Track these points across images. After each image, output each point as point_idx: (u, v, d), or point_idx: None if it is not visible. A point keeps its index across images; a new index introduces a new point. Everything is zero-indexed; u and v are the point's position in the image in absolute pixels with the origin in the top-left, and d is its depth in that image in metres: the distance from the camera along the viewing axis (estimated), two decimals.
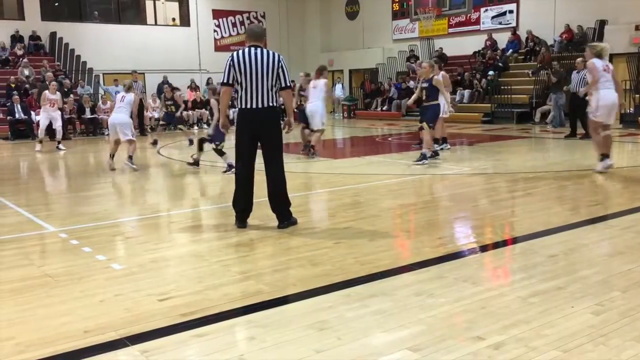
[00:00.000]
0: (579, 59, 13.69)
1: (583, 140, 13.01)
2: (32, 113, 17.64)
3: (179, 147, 14.35)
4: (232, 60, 5.51)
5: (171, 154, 12.97)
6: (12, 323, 3.52)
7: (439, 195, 7.71)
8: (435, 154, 10.25)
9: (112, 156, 10.47)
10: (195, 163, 10.47)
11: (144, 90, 18.87)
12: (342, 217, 6.21)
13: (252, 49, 5.53)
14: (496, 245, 5.08)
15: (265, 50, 5.55)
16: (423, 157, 9.85)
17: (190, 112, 20.23)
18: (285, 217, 5.75)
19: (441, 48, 23.60)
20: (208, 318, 3.50)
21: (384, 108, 23.22)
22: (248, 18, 26.60)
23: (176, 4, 25.62)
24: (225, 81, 5.57)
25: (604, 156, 8.44)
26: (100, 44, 22.38)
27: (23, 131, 17.53)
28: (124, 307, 3.71)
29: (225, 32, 26.11)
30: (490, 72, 19.97)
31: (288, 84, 5.64)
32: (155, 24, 24.77)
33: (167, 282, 4.22)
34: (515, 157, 10.89)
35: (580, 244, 4.90)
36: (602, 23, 18.60)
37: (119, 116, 10.24)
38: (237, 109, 5.63)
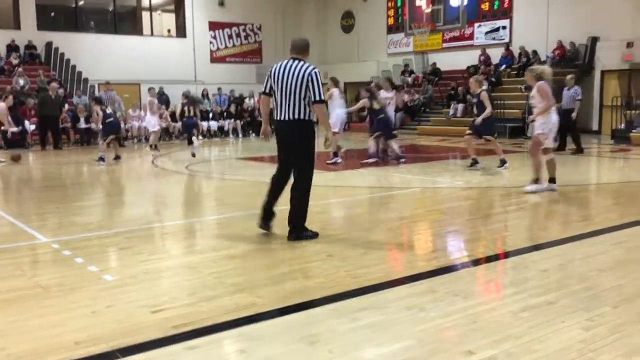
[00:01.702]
0: (569, 76, 13.94)
1: (574, 155, 13.14)
2: (27, 122, 17.61)
3: (174, 157, 14.36)
4: (270, 70, 5.68)
5: (166, 164, 12.97)
6: (4, 334, 3.51)
7: (432, 208, 7.75)
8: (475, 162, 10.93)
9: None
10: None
11: (118, 100, 18.82)
12: (334, 230, 6.23)
13: (290, 61, 5.63)
14: (488, 259, 5.11)
15: (300, 63, 5.58)
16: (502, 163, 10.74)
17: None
18: (293, 230, 5.70)
19: (435, 63, 23.79)
20: (200, 330, 3.50)
21: None
22: (244, 30, 26.73)
23: (172, 15, 25.72)
24: (263, 90, 5.81)
25: (537, 180, 8.27)
26: (95, 54, 22.42)
27: (17, 140, 17.46)
28: (115, 318, 3.71)
29: (221, 44, 26.21)
30: (484, 86, 20.07)
31: (317, 98, 5.54)
32: (152, 34, 24.85)
33: (160, 293, 4.22)
34: (508, 171, 10.95)
35: (571, 259, 4.93)
36: (594, 40, 18.83)
37: None
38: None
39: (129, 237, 6.06)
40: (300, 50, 5.73)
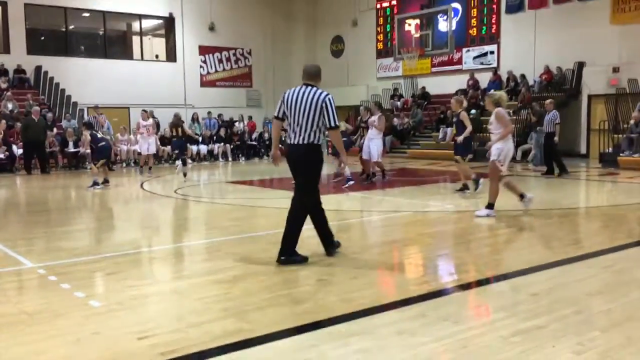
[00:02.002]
0: (548, 101, 14.30)
1: (560, 177, 13.25)
2: (14, 146, 17.52)
3: (162, 181, 14.30)
4: (283, 95, 5.76)
5: (155, 188, 12.91)
6: None
7: (422, 232, 7.73)
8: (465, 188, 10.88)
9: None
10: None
11: (107, 124, 18.79)
12: (324, 254, 6.18)
13: (303, 87, 5.71)
14: (479, 283, 5.09)
15: (314, 89, 5.67)
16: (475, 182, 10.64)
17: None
18: (283, 252, 5.70)
19: (424, 87, 24.00)
20: (188, 357, 3.45)
21: None
22: (234, 54, 26.89)
23: (163, 40, 25.85)
24: (275, 115, 5.85)
25: (491, 205, 8.27)
26: (85, 78, 22.43)
27: (5, 165, 17.35)
28: (101, 345, 3.65)
29: (212, 68, 26.33)
30: (473, 111, 20.26)
31: (332, 124, 5.63)
32: (142, 59, 24.93)
33: (146, 319, 4.16)
34: (499, 195, 10.97)
35: (561, 283, 4.93)
36: (581, 65, 19.09)
37: None
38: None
39: (116, 262, 6.00)
40: (313, 76, 5.82)
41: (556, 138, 13.43)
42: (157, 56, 25.53)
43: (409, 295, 4.62)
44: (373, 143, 12.50)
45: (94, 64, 23.18)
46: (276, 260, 5.66)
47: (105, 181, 13.03)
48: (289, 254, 5.68)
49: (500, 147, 8.18)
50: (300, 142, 5.63)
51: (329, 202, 10.49)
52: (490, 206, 8.28)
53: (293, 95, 5.67)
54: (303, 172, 5.74)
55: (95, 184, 12.53)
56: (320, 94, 5.63)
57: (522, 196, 8.45)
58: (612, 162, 15.79)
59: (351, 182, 12.19)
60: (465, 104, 11.30)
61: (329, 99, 5.61)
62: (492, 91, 10.14)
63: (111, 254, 6.42)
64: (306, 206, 5.77)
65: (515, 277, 5.14)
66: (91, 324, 4.05)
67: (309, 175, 5.75)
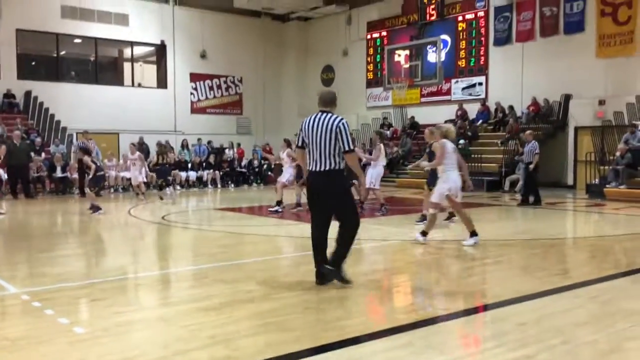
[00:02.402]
0: (528, 132, 14.63)
1: (534, 207, 13.58)
2: (1, 171, 17.40)
3: (150, 207, 14.22)
4: (302, 124, 5.88)
5: (142, 214, 12.84)
6: None
7: (410, 261, 7.73)
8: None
9: None
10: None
11: (96, 150, 18.68)
12: (313, 282, 6.15)
13: (319, 114, 5.83)
14: (466, 312, 5.08)
15: (329, 115, 5.78)
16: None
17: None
18: (332, 266, 5.80)
19: (413, 117, 24.21)
20: None
21: None
22: (225, 82, 27.04)
23: (154, 67, 25.98)
24: (298, 144, 5.96)
25: (474, 232, 8.27)
26: (75, 103, 22.42)
27: None
28: None
29: (202, 95, 26.44)
30: (461, 141, 20.45)
31: (347, 148, 5.71)
32: (132, 85, 25.01)
33: (131, 347, 4.11)
34: (486, 224, 11.01)
35: (548, 313, 4.93)
36: (567, 97, 19.38)
37: None
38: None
39: (101, 288, 5.93)
40: (328, 102, 5.96)
41: (531, 166, 13.73)
42: (139, 84, 25.47)
43: (397, 324, 4.60)
44: (370, 170, 12.60)
45: (84, 89, 23.20)
46: (322, 271, 5.74)
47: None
48: (336, 270, 5.79)
49: (444, 180, 8.26)
50: (322, 169, 5.70)
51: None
52: (473, 234, 8.32)
53: (310, 123, 5.79)
54: (333, 199, 5.77)
55: (97, 208, 12.48)
56: (335, 119, 5.75)
57: (424, 234, 8.44)
58: (598, 193, 15.92)
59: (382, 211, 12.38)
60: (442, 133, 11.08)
61: (343, 124, 5.73)
62: (441, 124, 10.13)
63: (96, 280, 6.36)
64: (356, 226, 5.88)
65: (502, 306, 5.14)
66: (75, 351, 3.99)
67: (340, 199, 5.80)
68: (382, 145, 12.80)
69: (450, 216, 10.88)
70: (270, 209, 12.73)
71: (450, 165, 8.29)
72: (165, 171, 14.53)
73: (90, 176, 13.01)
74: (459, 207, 8.49)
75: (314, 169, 5.76)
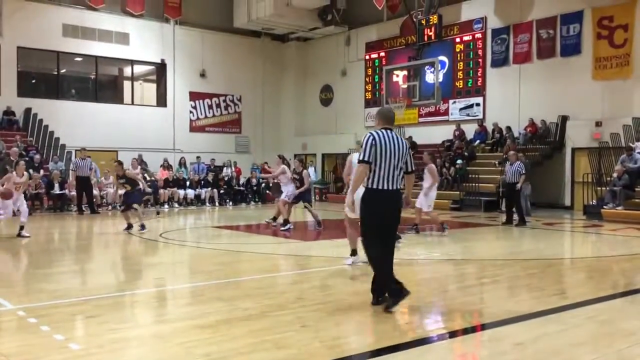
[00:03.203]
0: (511, 152, 14.83)
1: (518, 227, 13.68)
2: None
3: (147, 224, 14.18)
4: (375, 139, 5.59)
5: (135, 231, 12.80)
6: None
7: (408, 280, 7.69)
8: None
9: None
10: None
11: (94, 167, 18.65)
12: (310, 300, 6.14)
13: (388, 131, 5.70)
14: (464, 331, 5.07)
15: (395, 134, 5.75)
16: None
17: (162, 191, 20.26)
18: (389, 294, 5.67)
19: (411, 136, 24.30)
20: None
21: None
22: (224, 101, 27.18)
23: (154, 85, 26.13)
24: (366, 159, 5.59)
25: (355, 251, 8.16)
26: (75, 121, 22.50)
27: None
28: None
29: (201, 114, 26.54)
30: (459, 161, 20.52)
31: (413, 169, 5.89)
32: (132, 103, 25.12)
33: None
34: (483, 244, 11.03)
35: (545, 332, 4.91)
36: (564, 118, 19.49)
37: None
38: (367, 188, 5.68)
39: (97, 305, 5.91)
40: (392, 121, 5.90)
41: (518, 185, 13.97)
42: (131, 100, 25.52)
43: (393, 343, 4.58)
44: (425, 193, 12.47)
45: (84, 107, 23.29)
46: (401, 294, 5.57)
47: (130, 226, 12.68)
48: (394, 295, 5.60)
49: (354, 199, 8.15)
50: (397, 187, 5.65)
51: (313, 247, 10.49)
52: (353, 252, 8.16)
53: (385, 139, 5.60)
54: (396, 219, 5.77)
55: (142, 227, 12.41)
56: (404, 140, 5.80)
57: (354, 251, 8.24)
58: (595, 214, 15.94)
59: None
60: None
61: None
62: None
63: (93, 296, 6.33)
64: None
65: (499, 326, 5.12)
66: None
67: (398, 220, 5.83)
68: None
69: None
70: (282, 229, 12.74)
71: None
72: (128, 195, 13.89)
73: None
74: (354, 226, 7.99)
75: (386, 187, 5.59)
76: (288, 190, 13.10)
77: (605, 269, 8.45)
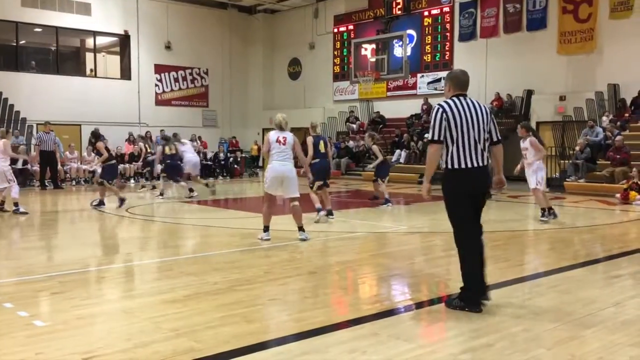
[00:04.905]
0: None
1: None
2: None
3: (113, 200, 13.99)
4: (445, 112, 4.70)
5: (105, 207, 12.61)
6: None
7: (376, 252, 7.79)
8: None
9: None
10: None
11: (57, 141, 18.24)
12: (278, 274, 6.16)
13: (462, 98, 4.80)
14: (430, 302, 5.15)
15: (473, 100, 4.85)
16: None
17: (127, 166, 19.96)
18: (482, 292, 4.82)
19: (379, 111, 24.34)
20: None
21: None
22: (191, 74, 26.74)
23: (117, 57, 25.52)
24: (436, 138, 4.71)
25: (267, 227, 8.20)
26: (36, 94, 21.87)
27: None
28: None
29: (167, 87, 26.09)
30: (427, 135, 20.66)
31: (500, 138, 4.95)
32: (95, 76, 24.52)
33: (93, 340, 4.05)
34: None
35: (508, 302, 5.03)
36: (530, 93, 19.75)
37: None
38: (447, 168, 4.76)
39: (62, 281, 5.82)
40: (466, 85, 4.94)
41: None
42: (93, 72, 25.10)
43: (361, 315, 4.64)
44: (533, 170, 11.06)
45: (45, 79, 22.65)
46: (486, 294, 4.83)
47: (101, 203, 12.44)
48: (460, 294, 4.83)
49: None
50: (484, 163, 4.73)
51: (282, 221, 10.49)
52: (266, 229, 8.19)
53: (461, 110, 4.69)
54: (485, 197, 4.85)
55: (122, 200, 12.33)
56: (484, 105, 4.88)
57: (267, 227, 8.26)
58: (558, 187, 16.27)
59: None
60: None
61: (490, 110, 5.08)
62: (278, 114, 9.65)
63: (57, 273, 6.24)
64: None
65: None
66: (35, 344, 3.91)
67: (486, 198, 4.91)
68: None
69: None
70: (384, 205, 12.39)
71: (274, 154, 7.81)
72: (175, 166, 14.37)
73: (100, 166, 12.59)
74: (266, 198, 8.32)
75: (473, 164, 4.67)
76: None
77: (567, 240, 8.66)
